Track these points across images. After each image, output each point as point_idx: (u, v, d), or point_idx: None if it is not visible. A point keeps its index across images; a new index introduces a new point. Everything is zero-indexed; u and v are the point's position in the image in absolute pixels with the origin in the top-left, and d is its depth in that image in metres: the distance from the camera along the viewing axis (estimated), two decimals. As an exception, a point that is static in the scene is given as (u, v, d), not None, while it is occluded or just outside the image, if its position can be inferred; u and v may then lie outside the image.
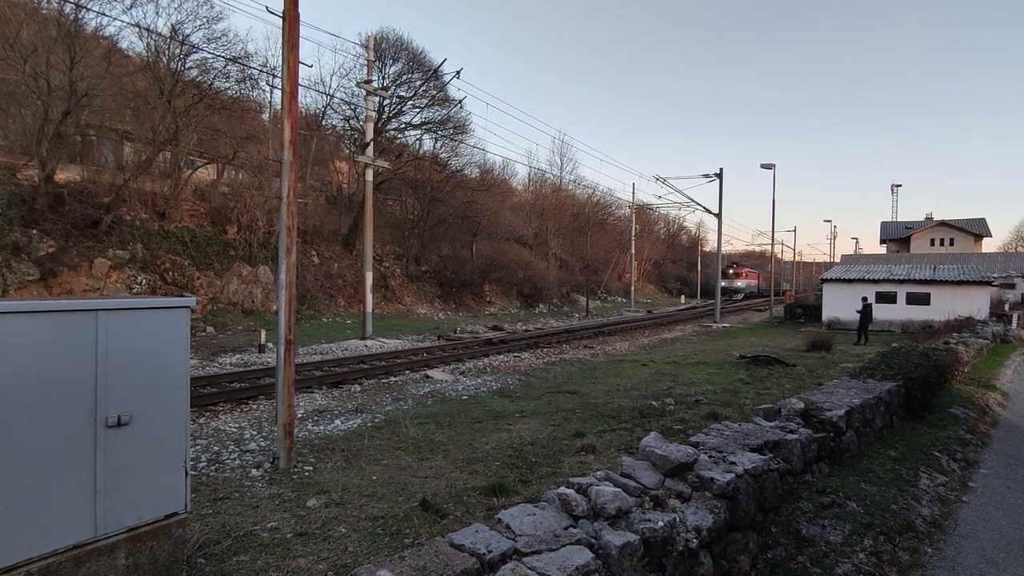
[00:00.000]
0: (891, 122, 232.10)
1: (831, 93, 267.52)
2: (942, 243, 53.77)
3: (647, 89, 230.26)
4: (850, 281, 28.86)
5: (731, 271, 60.11)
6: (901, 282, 28.00)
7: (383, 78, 29.22)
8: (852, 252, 66.72)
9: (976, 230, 54.15)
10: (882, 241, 59.98)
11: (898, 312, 27.68)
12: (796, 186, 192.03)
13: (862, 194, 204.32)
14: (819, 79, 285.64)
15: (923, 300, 27.38)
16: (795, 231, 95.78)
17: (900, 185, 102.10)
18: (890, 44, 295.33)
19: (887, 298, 27.92)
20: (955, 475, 6.97)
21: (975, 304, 26.27)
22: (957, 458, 7.57)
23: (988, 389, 12.51)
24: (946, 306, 25.94)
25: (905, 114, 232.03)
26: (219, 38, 21.79)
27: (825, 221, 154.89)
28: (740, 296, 57.89)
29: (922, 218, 61.32)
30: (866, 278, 28.82)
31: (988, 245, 57.73)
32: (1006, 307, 32.94)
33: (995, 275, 35.93)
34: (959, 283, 27.02)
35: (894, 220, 66.90)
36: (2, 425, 3.09)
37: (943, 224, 54.93)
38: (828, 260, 77.18)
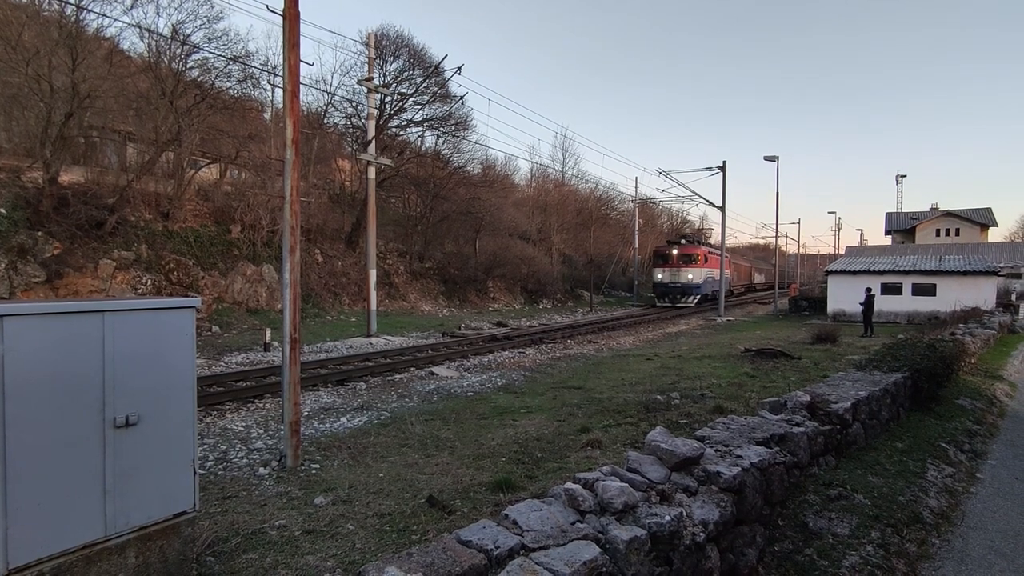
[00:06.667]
0: (896, 112, 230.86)
1: (835, 84, 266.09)
2: (948, 233, 53.39)
3: (650, 83, 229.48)
4: (855, 273, 28.74)
5: (674, 252, 37.11)
6: (907, 273, 27.86)
7: (384, 75, 29.17)
8: (857, 244, 66.33)
9: (982, 220, 53.74)
10: (887, 232, 59.66)
11: (904, 303, 27.56)
12: (800, 179, 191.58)
13: (867, 185, 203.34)
14: (823, 71, 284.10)
15: (929, 291, 27.24)
16: (799, 223, 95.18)
17: (905, 175, 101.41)
18: (895, 33, 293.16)
19: (893, 289, 27.78)
20: (963, 466, 6.95)
21: (981, 294, 26.13)
22: (965, 449, 7.54)
23: (995, 380, 12.45)
24: (952, 297, 25.81)
25: (910, 103, 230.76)
26: (220, 37, 21.81)
27: (829, 213, 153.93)
28: (691, 299, 36.35)
29: (927, 208, 60.94)
30: (871, 269, 28.71)
31: (994, 235, 57.43)
32: (1013, 297, 32.71)
33: (1002, 265, 35.70)
34: (965, 273, 26.87)
35: (899, 211, 66.44)
36: (12, 426, 3.11)
37: (949, 214, 54.52)
38: (833, 252, 76.90)
